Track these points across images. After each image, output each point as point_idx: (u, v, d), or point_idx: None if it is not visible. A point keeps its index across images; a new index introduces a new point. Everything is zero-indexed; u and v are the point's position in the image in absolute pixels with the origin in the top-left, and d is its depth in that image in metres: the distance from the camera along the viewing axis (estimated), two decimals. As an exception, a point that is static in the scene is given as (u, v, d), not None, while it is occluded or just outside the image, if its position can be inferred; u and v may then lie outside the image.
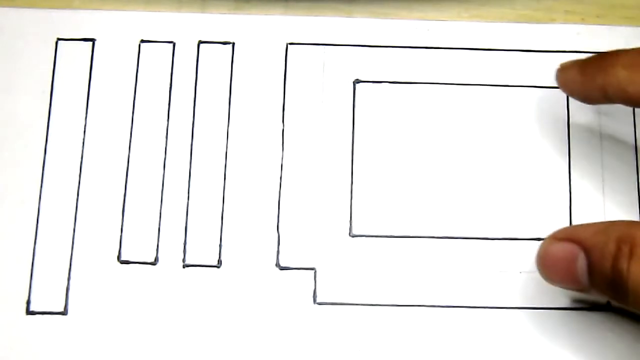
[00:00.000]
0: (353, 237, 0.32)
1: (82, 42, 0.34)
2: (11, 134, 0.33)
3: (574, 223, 0.32)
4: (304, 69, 0.34)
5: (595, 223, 0.24)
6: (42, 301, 0.31)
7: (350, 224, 0.32)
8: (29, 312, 0.31)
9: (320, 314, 0.31)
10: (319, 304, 0.31)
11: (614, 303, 0.25)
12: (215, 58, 0.34)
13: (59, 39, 0.34)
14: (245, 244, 0.32)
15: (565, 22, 0.34)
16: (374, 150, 0.33)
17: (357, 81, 0.34)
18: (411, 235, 0.32)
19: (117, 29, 0.34)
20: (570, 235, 0.24)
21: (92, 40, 0.34)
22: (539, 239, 0.32)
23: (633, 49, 0.27)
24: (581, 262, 0.23)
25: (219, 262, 0.31)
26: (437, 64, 0.34)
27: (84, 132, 0.33)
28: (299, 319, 0.31)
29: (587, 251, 0.23)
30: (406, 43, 0.34)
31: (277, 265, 0.31)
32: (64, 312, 0.31)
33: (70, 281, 0.31)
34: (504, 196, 0.32)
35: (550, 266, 0.25)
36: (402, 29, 0.34)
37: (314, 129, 0.33)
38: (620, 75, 0.25)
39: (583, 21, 0.35)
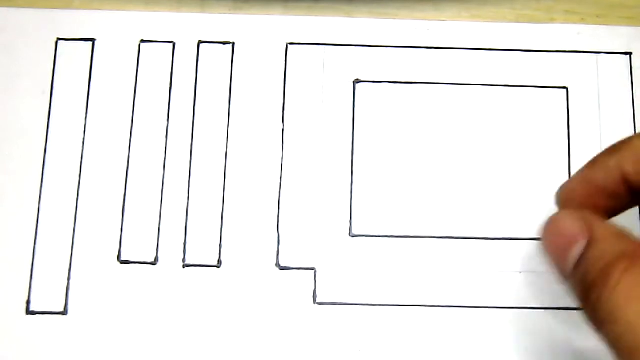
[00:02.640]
0: (353, 237, 0.32)
1: (82, 42, 0.34)
2: (11, 134, 0.33)
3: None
4: (304, 69, 0.34)
5: (618, 226, 0.22)
6: (42, 301, 0.31)
7: (350, 224, 0.32)
8: (29, 312, 0.31)
9: (320, 314, 0.31)
10: (319, 304, 0.31)
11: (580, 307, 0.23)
12: (215, 58, 0.34)
13: (59, 39, 0.34)
14: (245, 244, 0.32)
15: (565, 22, 0.34)
16: (374, 150, 0.33)
17: (357, 81, 0.34)
18: (411, 235, 0.32)
19: (117, 29, 0.34)
20: (587, 221, 0.23)
21: (92, 40, 0.34)
22: (539, 239, 0.32)
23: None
24: (578, 249, 0.22)
25: (219, 262, 0.31)
26: (437, 64, 0.34)
27: (84, 132, 0.33)
28: (299, 319, 0.31)
29: (589, 243, 0.22)
30: (406, 43, 0.34)
31: (277, 265, 0.31)
32: (64, 312, 0.31)
33: (70, 281, 0.31)
34: (504, 196, 0.32)
35: (551, 235, 0.23)
36: (402, 29, 0.34)
37: (314, 129, 0.33)
38: (638, 144, 0.23)
39: (583, 21, 0.35)
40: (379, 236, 0.32)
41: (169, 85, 0.33)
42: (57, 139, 0.33)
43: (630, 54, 0.34)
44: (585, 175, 0.24)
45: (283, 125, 0.33)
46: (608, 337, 0.20)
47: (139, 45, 0.34)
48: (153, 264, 0.31)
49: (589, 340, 0.30)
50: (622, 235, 0.22)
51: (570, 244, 0.22)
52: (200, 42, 0.34)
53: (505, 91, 0.34)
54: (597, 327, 0.20)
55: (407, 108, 0.33)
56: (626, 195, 0.24)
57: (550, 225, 0.23)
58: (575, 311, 0.31)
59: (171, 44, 0.34)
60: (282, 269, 0.31)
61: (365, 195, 0.32)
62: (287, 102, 0.33)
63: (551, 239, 0.23)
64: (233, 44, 0.34)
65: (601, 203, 0.24)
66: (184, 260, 0.31)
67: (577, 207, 0.25)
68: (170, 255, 0.31)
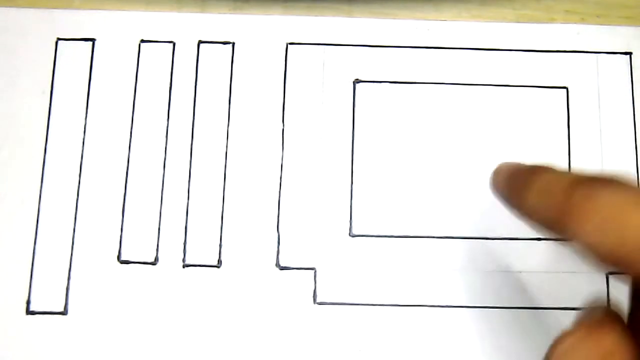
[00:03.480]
0: (353, 237, 0.32)
1: (82, 42, 0.34)
2: (11, 134, 0.33)
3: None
4: (304, 68, 0.34)
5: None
6: (42, 301, 0.31)
7: (350, 224, 0.32)
8: (29, 312, 0.31)
9: (320, 314, 0.31)
10: (319, 303, 0.31)
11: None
12: (215, 58, 0.34)
13: (59, 39, 0.34)
14: (245, 244, 0.32)
15: (565, 22, 0.34)
16: (374, 150, 0.33)
17: (357, 81, 0.34)
18: (411, 235, 0.32)
19: (117, 29, 0.34)
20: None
21: (92, 40, 0.34)
22: (539, 239, 0.32)
23: (559, 171, 0.21)
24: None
25: (219, 262, 0.31)
26: (437, 64, 0.34)
27: (84, 132, 0.33)
28: (299, 318, 0.31)
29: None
30: (406, 43, 0.34)
31: (277, 265, 0.31)
32: (64, 312, 0.31)
33: (70, 281, 0.31)
34: (504, 196, 0.32)
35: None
36: (402, 29, 0.34)
37: (314, 129, 0.33)
38: (530, 202, 0.22)
39: (583, 21, 0.35)
40: (379, 236, 0.32)
41: (169, 85, 0.33)
42: (57, 139, 0.33)
43: (630, 53, 0.34)
44: (502, 182, 0.25)
45: (283, 125, 0.33)
46: None
47: (139, 45, 0.34)
48: (153, 264, 0.31)
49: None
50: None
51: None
52: (200, 42, 0.34)
53: (505, 91, 0.34)
54: None
55: (407, 108, 0.33)
56: None
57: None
58: (576, 311, 0.31)
59: (171, 44, 0.34)
60: (282, 269, 0.31)
61: (365, 195, 0.32)
62: (287, 102, 0.33)
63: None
64: (233, 44, 0.34)
65: None
66: (184, 260, 0.31)
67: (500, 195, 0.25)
68: (170, 255, 0.31)
